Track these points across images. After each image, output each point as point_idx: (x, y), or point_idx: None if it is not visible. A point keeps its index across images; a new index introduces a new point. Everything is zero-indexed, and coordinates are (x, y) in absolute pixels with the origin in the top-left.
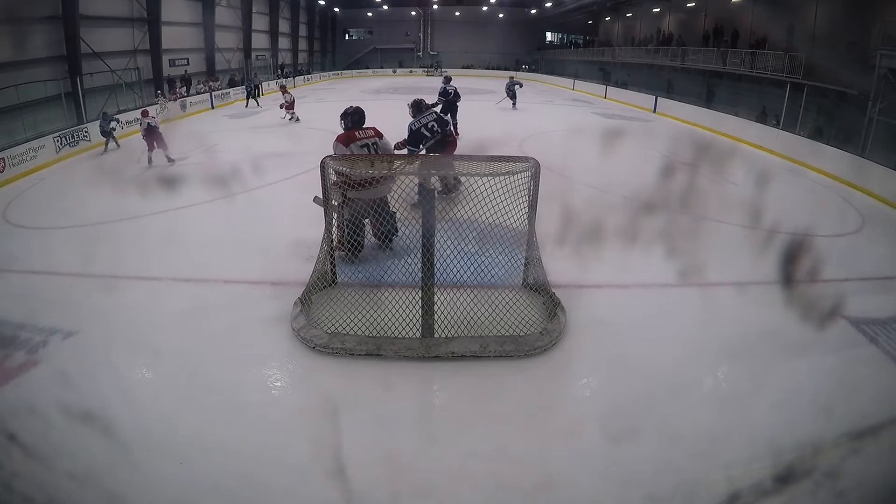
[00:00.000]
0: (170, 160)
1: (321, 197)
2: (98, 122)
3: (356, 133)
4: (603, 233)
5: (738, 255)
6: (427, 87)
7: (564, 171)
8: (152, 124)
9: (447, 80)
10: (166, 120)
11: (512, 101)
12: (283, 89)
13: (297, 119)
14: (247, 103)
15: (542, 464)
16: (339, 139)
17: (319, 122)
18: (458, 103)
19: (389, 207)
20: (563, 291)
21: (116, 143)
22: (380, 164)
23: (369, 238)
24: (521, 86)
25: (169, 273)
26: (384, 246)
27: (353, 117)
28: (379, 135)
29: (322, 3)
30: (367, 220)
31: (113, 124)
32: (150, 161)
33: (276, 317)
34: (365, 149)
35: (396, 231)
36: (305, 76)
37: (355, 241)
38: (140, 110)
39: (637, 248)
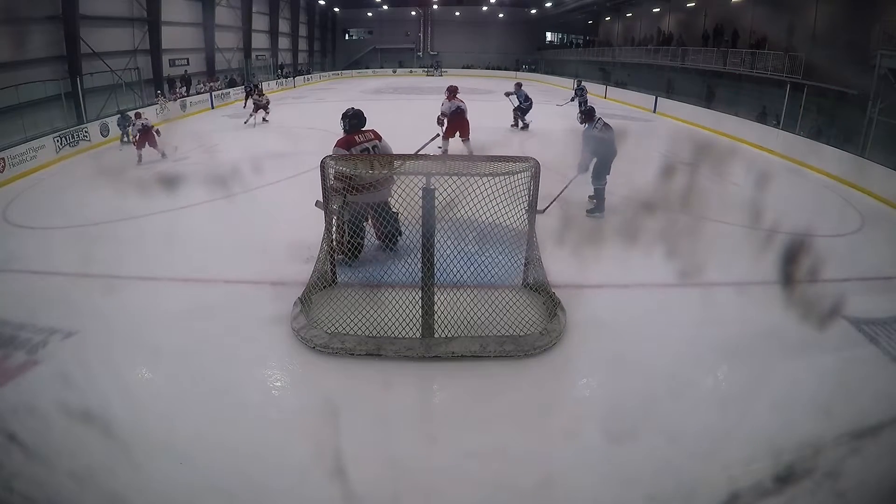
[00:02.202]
0: (163, 155)
1: (321, 200)
2: (114, 120)
3: (356, 137)
4: (603, 233)
5: (738, 255)
6: (427, 87)
7: (564, 171)
8: (146, 125)
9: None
10: (167, 120)
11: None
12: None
13: (257, 122)
14: (245, 103)
15: (542, 464)
16: (340, 143)
17: (319, 122)
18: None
19: (391, 209)
20: (563, 291)
21: (123, 141)
22: (380, 166)
23: (370, 240)
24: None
25: (169, 273)
26: (387, 247)
27: (353, 120)
28: (378, 137)
29: (322, 3)
30: (367, 223)
31: (127, 122)
32: (140, 159)
33: (276, 317)
34: (366, 152)
35: (400, 233)
36: (305, 76)
37: (355, 243)
38: (134, 112)
39: (637, 248)
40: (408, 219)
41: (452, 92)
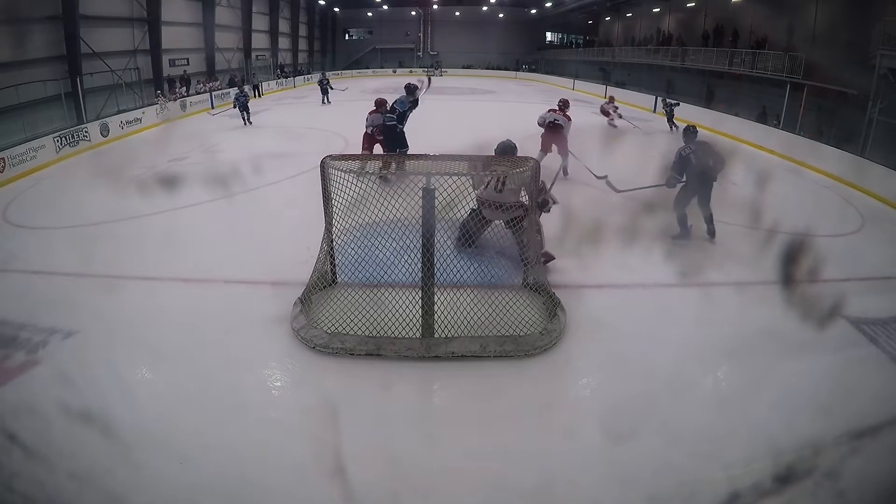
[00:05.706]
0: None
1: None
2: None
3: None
4: (603, 232)
5: (738, 255)
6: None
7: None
8: (370, 130)
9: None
10: (167, 120)
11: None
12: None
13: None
14: (323, 99)
15: (542, 464)
16: None
17: (320, 122)
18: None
19: (522, 229)
20: (563, 291)
21: (248, 117)
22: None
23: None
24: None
25: (169, 273)
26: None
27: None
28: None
29: (322, 3)
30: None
31: (243, 99)
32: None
33: (276, 317)
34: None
35: (542, 246)
36: (305, 76)
37: (464, 231)
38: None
39: (637, 248)
40: (408, 219)
41: (562, 105)
